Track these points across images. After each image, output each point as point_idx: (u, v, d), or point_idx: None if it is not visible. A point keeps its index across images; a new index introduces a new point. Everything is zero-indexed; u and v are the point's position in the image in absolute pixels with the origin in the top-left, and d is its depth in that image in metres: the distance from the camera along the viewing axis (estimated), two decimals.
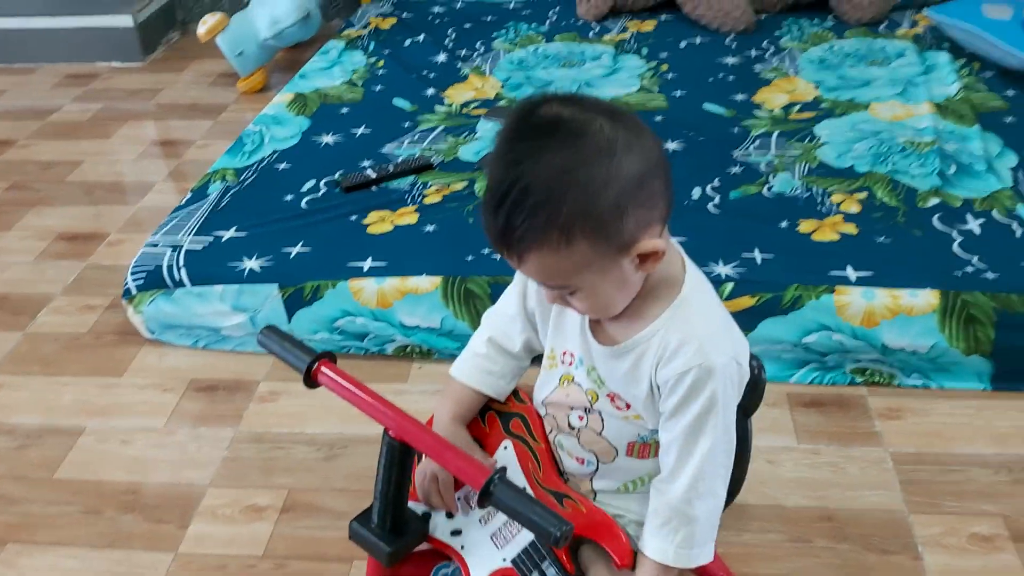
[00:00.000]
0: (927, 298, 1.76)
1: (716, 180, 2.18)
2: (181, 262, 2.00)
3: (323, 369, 1.01)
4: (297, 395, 1.88)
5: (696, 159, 2.29)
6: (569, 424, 1.04)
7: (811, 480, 1.63)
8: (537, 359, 1.10)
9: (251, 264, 1.99)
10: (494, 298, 1.88)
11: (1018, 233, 1.94)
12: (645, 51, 2.96)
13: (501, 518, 1.05)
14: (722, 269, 1.85)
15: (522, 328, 1.07)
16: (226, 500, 1.65)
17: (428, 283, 1.91)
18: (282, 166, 2.40)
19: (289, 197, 2.24)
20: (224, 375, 1.96)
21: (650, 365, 0.94)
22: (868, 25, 3.04)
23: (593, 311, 0.93)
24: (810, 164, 2.24)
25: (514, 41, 3.11)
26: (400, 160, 2.37)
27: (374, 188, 2.27)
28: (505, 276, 1.89)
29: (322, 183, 2.30)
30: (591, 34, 3.13)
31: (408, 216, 2.13)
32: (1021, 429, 1.71)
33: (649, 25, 3.16)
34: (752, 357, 1.00)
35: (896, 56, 2.80)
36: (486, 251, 1.97)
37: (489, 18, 3.32)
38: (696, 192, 2.14)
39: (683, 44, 2.99)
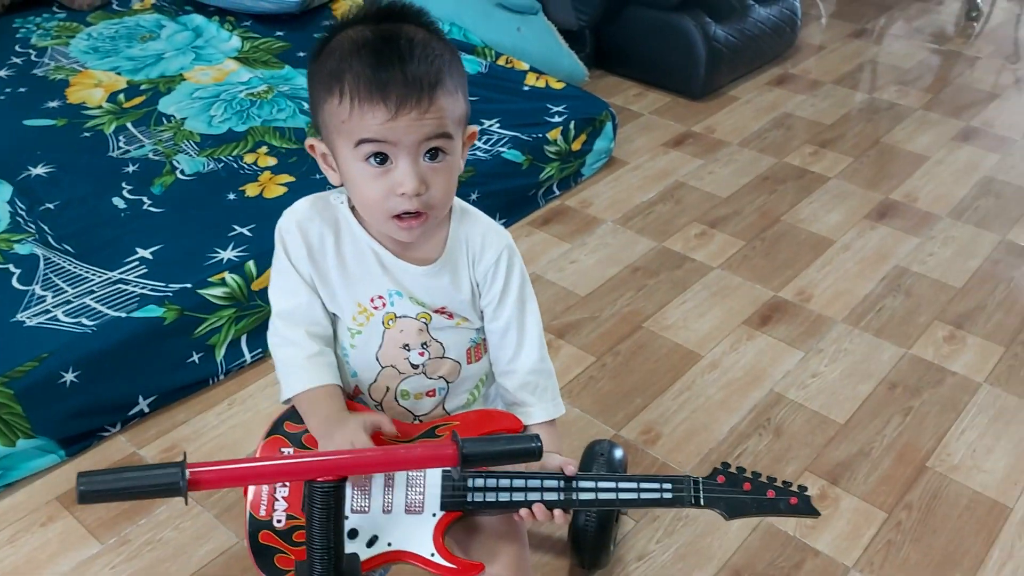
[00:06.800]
0: None
1: (125, 183, 2.06)
2: None
3: (196, 475, 0.85)
4: None
5: (86, 175, 2.10)
6: (411, 365, 1.06)
7: None
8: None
9: None
10: (21, 398, 1.57)
11: None
12: None
13: (401, 491, 1.02)
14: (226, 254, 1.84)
15: (320, 305, 1.04)
16: None
17: None
18: None
19: None
20: None
21: (466, 268, 1.05)
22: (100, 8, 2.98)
23: (442, 194, 0.96)
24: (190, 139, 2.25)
25: None
26: None
27: None
28: (21, 366, 1.55)
29: None
30: None
31: None
32: None
33: None
34: None
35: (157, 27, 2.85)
36: None
37: None
38: (119, 203, 2.00)
39: None
